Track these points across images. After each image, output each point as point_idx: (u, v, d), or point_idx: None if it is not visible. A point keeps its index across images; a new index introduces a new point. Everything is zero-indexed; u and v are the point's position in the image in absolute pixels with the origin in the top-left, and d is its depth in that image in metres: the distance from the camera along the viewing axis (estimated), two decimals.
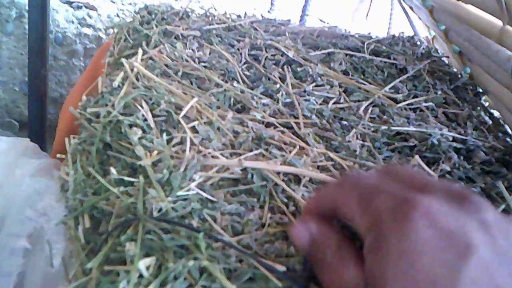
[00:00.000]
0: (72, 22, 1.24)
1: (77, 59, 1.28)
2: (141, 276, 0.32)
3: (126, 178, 0.41)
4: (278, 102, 0.55)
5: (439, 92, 0.69)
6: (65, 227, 0.48)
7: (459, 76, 0.76)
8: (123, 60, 0.55)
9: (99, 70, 0.73)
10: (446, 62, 0.82)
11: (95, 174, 0.43)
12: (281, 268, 0.33)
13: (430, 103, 0.65)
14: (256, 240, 0.35)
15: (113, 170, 0.41)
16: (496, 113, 0.73)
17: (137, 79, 0.54)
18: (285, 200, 0.40)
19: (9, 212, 0.60)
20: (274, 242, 0.35)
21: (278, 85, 0.59)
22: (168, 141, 0.45)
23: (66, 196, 0.49)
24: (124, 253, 0.35)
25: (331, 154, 0.47)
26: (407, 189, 0.27)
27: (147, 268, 0.33)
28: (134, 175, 0.42)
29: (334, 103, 0.59)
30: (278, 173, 0.43)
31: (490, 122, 0.68)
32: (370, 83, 0.68)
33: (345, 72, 0.70)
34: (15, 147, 0.76)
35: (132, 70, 0.55)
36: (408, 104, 0.63)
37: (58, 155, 0.58)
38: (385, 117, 0.59)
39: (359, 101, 0.61)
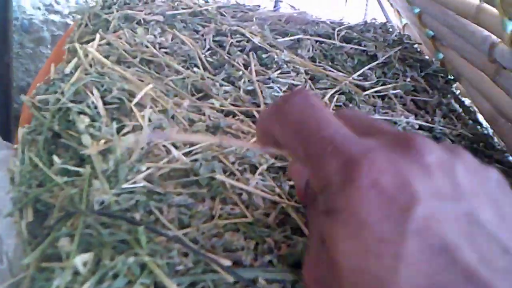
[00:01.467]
0: (39, 9, 1.19)
1: (44, 47, 1.24)
2: (78, 273, 0.30)
3: (71, 168, 0.39)
4: (240, 89, 0.53)
5: (409, 80, 0.68)
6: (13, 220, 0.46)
7: (431, 63, 0.75)
8: (77, 45, 0.53)
9: (61, 57, 0.70)
10: (418, 49, 0.81)
11: (39, 164, 0.40)
12: (226, 262, 0.31)
13: (399, 91, 0.63)
14: (204, 233, 0.34)
15: (56, 159, 0.39)
16: (467, 101, 0.72)
17: (91, 66, 0.51)
18: (238, 191, 0.39)
19: None
20: (223, 235, 0.34)
21: (241, 72, 0.57)
22: (119, 130, 0.42)
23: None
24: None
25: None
26: (350, 140, 0.26)
27: (84, 264, 0.31)
28: (82, 166, 0.40)
29: None
30: (233, 163, 0.41)
31: (461, 110, 0.67)
32: (339, 71, 0.67)
33: (313, 59, 0.68)
34: None
35: (86, 56, 0.52)
36: (376, 92, 0.61)
37: (15, 146, 0.56)
38: (351, 105, 0.58)
39: (325, 88, 0.60)
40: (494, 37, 0.55)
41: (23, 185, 0.43)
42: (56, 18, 1.22)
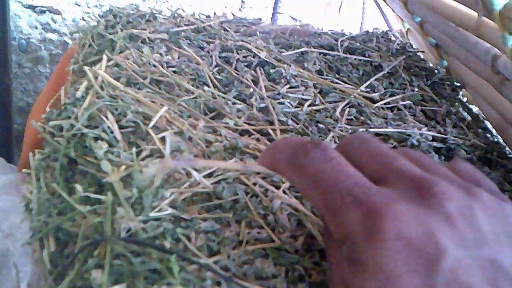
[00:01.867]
0: (36, 28, 1.19)
1: (43, 66, 1.23)
2: None
3: (92, 196, 0.38)
4: (252, 107, 0.53)
5: (416, 89, 0.68)
6: (31, 249, 0.45)
7: (436, 71, 0.75)
8: (86, 68, 0.52)
9: (64, 78, 0.69)
10: (422, 57, 0.81)
11: (60, 192, 0.40)
12: None
13: (408, 102, 0.63)
14: (234, 260, 0.33)
15: (78, 187, 0.39)
16: (474, 109, 0.72)
17: (102, 88, 0.51)
18: (262, 212, 0.38)
19: None
20: (254, 262, 0.33)
21: (251, 89, 0.57)
22: (137, 154, 0.42)
23: (30, 216, 0.46)
24: (90, 280, 0.33)
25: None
26: (369, 190, 0.26)
27: None
28: (102, 192, 0.39)
29: (309, 105, 0.57)
30: (254, 184, 0.41)
31: (469, 118, 0.67)
32: (346, 82, 0.66)
33: (320, 72, 0.68)
34: None
35: (96, 78, 0.52)
36: (385, 103, 0.61)
37: (24, 170, 0.55)
38: (362, 118, 0.58)
39: (335, 102, 0.60)
40: (496, 49, 0.55)
41: (42, 214, 0.42)
42: (53, 36, 1.22)
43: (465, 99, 0.74)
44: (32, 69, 1.22)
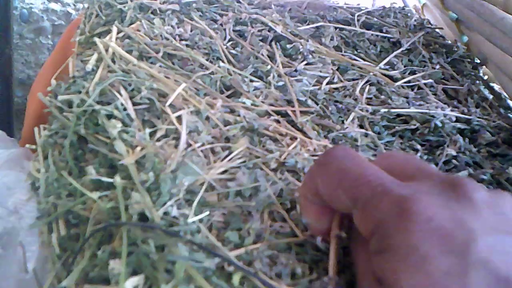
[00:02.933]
0: None
1: (45, 37, 1.19)
2: None
3: (105, 179, 0.36)
4: (270, 85, 0.50)
5: (437, 67, 0.65)
6: (38, 230, 0.43)
7: (455, 48, 0.72)
8: (97, 39, 0.49)
9: (69, 49, 0.66)
10: (440, 34, 0.78)
11: (69, 179, 0.38)
12: None
13: (429, 80, 0.60)
14: (258, 255, 0.31)
15: (91, 169, 0.36)
16: (496, 87, 0.69)
17: (113, 61, 0.48)
18: (285, 203, 0.36)
19: None
20: (278, 257, 0.31)
21: (269, 66, 0.54)
22: (151, 134, 0.40)
23: (37, 195, 0.44)
24: (105, 270, 0.31)
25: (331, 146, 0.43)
26: (399, 183, 0.27)
27: None
28: (114, 174, 0.37)
29: (328, 83, 0.54)
30: (274, 169, 0.39)
31: (491, 97, 0.64)
32: (363, 59, 0.64)
33: (337, 48, 0.65)
34: None
35: (106, 50, 0.49)
36: (406, 82, 0.59)
37: (28, 145, 0.52)
38: (382, 97, 0.55)
39: (353, 79, 0.57)
40: None
41: (50, 195, 0.40)
42: (56, 7, 1.18)
43: (485, 77, 0.71)
44: (34, 40, 1.18)
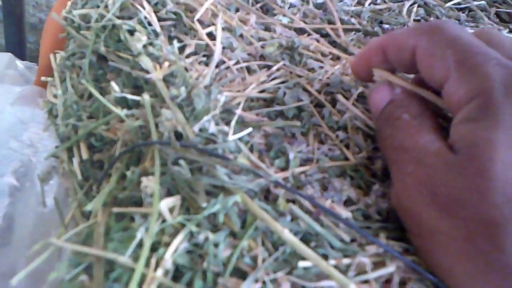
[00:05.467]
0: None
1: None
2: (163, 221, 0.25)
3: (130, 97, 0.32)
4: (307, 2, 0.45)
5: None
6: (57, 161, 0.40)
7: None
8: None
9: None
10: None
11: (92, 91, 0.34)
12: (346, 214, 0.25)
13: (482, 2, 0.55)
14: (306, 179, 0.27)
15: (114, 85, 0.32)
16: None
17: None
18: (332, 125, 0.32)
19: None
20: (329, 181, 0.27)
21: None
22: (180, 51, 0.36)
23: (55, 123, 0.41)
24: (135, 191, 0.27)
25: None
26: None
27: (171, 210, 0.25)
28: (139, 94, 0.33)
29: (371, 3, 0.49)
30: (318, 91, 0.34)
31: None
32: None
33: None
34: None
35: None
36: (455, 4, 0.53)
37: (43, 78, 0.48)
38: (431, 19, 0.50)
39: (399, 1, 0.52)
40: None
41: (70, 118, 0.36)
42: None
43: None
44: None
